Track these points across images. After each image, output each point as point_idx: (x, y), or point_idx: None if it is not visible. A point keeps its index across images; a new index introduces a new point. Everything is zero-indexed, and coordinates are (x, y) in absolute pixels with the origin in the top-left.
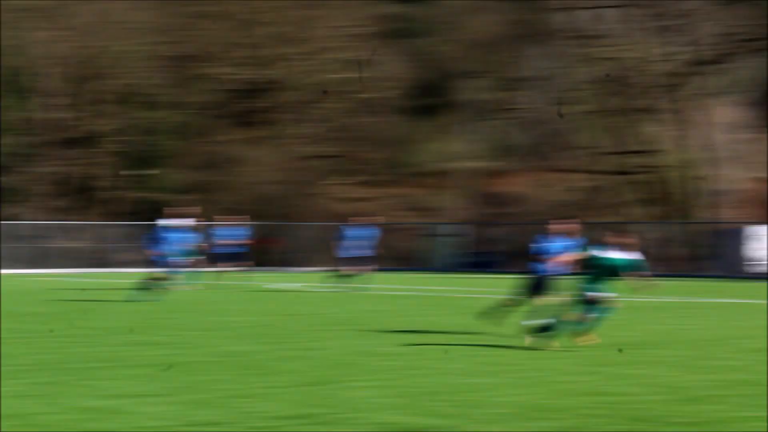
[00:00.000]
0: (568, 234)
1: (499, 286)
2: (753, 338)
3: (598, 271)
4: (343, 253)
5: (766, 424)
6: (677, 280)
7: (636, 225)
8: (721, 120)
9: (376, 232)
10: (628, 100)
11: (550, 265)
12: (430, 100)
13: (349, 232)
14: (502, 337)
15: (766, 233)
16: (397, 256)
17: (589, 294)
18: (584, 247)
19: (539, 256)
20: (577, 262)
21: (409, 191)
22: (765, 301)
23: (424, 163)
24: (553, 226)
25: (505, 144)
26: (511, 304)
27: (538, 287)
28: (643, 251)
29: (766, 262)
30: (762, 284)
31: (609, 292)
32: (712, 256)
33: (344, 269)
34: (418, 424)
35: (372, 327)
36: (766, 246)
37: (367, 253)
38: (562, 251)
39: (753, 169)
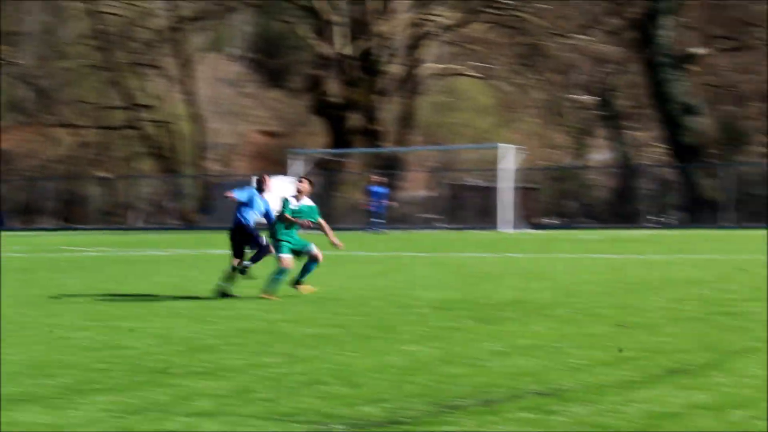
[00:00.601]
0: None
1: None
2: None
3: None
4: None
5: (277, 370)
6: (186, 232)
7: (146, 179)
8: (219, 75)
9: None
10: (127, 54)
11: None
12: None
13: None
14: (7, 297)
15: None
16: None
17: (295, 245)
18: (283, 201)
19: (245, 213)
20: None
21: None
22: None
23: None
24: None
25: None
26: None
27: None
28: (158, 205)
29: None
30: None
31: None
32: (211, 209)
33: None
34: None
35: None
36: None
37: None
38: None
39: (253, 122)
